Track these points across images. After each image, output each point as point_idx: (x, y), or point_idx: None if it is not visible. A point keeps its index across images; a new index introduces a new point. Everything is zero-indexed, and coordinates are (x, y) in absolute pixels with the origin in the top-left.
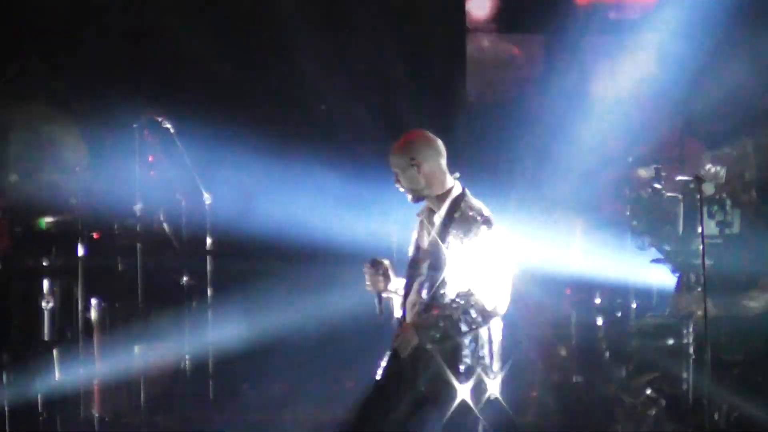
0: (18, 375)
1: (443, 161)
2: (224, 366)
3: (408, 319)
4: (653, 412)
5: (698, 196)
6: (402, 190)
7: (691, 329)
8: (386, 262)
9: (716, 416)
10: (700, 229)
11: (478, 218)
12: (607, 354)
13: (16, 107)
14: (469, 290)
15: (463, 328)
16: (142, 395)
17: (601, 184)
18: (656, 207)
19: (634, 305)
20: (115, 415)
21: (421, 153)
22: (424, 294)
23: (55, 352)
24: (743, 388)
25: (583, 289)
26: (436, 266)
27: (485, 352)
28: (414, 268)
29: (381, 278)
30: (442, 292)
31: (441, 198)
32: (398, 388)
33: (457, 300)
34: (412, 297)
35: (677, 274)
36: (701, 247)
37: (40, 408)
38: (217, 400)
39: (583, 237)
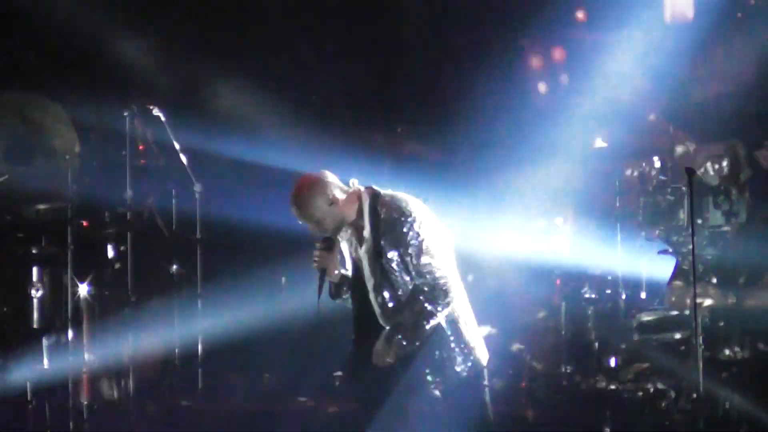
0: (7, 363)
1: (338, 182)
2: (213, 355)
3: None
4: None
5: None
6: (326, 236)
7: (695, 323)
8: (339, 242)
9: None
10: (699, 220)
11: (398, 217)
12: (597, 345)
13: (5, 95)
14: (414, 288)
15: (424, 323)
16: (131, 383)
17: (593, 175)
18: (662, 199)
19: (623, 296)
20: (105, 403)
21: (329, 188)
22: (374, 303)
23: (44, 339)
24: (742, 382)
25: (573, 280)
26: (373, 271)
27: (466, 331)
28: (359, 285)
29: (330, 257)
30: (385, 294)
31: (357, 211)
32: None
33: (400, 305)
34: (363, 306)
35: (675, 266)
36: (702, 237)
37: (29, 396)
38: (206, 389)
39: (573, 228)
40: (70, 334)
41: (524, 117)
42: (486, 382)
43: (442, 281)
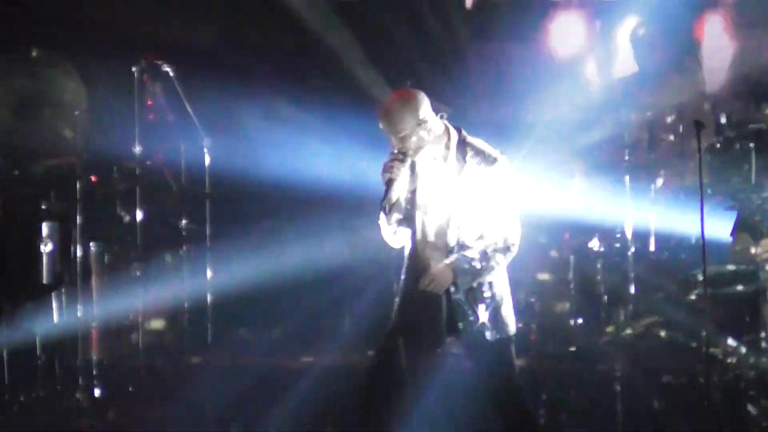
0: (16, 318)
1: (430, 110)
2: (222, 309)
3: (432, 263)
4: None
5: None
6: (406, 152)
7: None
8: (411, 161)
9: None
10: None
11: (492, 154)
12: (606, 297)
13: (15, 51)
14: (491, 228)
15: (492, 265)
16: (140, 339)
17: (600, 128)
18: (728, 156)
19: (632, 249)
20: (114, 359)
21: (422, 109)
22: (450, 237)
23: (53, 295)
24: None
25: (582, 233)
26: (455, 208)
27: (505, 296)
28: (417, 214)
29: (403, 169)
30: (464, 233)
31: (445, 144)
32: (423, 331)
33: (480, 240)
34: (431, 241)
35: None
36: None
37: (38, 351)
38: (215, 344)
39: (582, 180)
40: (80, 289)
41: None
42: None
43: (516, 240)
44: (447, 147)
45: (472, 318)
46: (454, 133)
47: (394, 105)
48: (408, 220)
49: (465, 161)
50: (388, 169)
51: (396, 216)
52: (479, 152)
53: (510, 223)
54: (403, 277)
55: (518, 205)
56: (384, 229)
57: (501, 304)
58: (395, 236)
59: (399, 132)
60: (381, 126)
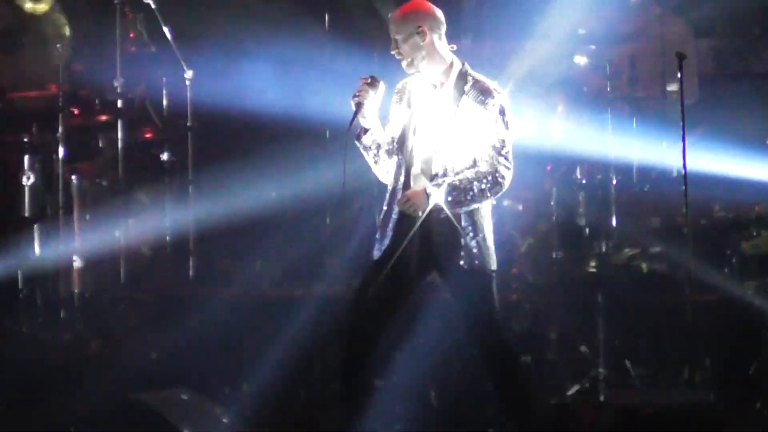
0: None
1: (443, 33)
2: (204, 242)
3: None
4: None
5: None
6: (399, 58)
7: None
8: (383, 85)
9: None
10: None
11: (495, 89)
12: (587, 230)
13: None
14: (481, 161)
15: (477, 198)
16: (122, 271)
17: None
18: None
19: (614, 181)
20: (96, 291)
21: (426, 21)
22: (435, 164)
23: (35, 227)
24: None
25: (564, 164)
26: (446, 137)
27: (485, 228)
28: (407, 141)
29: (371, 94)
30: (453, 162)
31: (444, 70)
32: (404, 263)
33: (469, 170)
34: (416, 168)
35: None
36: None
37: (20, 284)
38: (197, 277)
39: (564, 113)
40: (62, 221)
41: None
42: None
43: (507, 174)
44: (447, 75)
45: (452, 246)
46: (457, 62)
47: (403, 8)
48: (398, 149)
49: (463, 91)
50: (356, 93)
51: (376, 145)
52: (478, 83)
53: (502, 157)
54: (385, 207)
55: (512, 141)
56: (365, 155)
57: (483, 237)
58: (377, 166)
59: (397, 32)
60: (388, 22)
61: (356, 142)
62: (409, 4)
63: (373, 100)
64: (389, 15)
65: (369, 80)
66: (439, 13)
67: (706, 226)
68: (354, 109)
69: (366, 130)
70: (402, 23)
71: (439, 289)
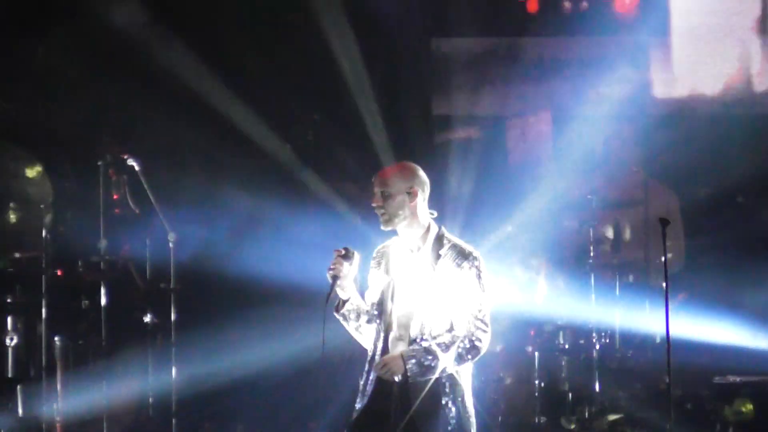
0: None
1: (427, 199)
2: (187, 405)
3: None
4: None
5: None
6: (380, 212)
7: None
8: (357, 255)
9: None
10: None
11: (471, 253)
12: (570, 395)
13: None
14: (458, 325)
15: (454, 362)
16: None
17: (565, 226)
18: None
19: (597, 346)
20: None
21: (420, 184)
22: (413, 329)
23: (18, 388)
24: None
25: (547, 330)
26: (424, 301)
27: (465, 393)
28: (386, 306)
29: (347, 266)
30: (430, 326)
31: (422, 235)
32: (379, 426)
33: (446, 334)
34: (394, 333)
35: None
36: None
37: None
38: None
39: (547, 278)
40: (45, 383)
41: (501, 167)
42: None
43: (483, 338)
44: (424, 239)
45: (430, 411)
46: (434, 226)
47: (395, 166)
48: (377, 314)
49: (440, 255)
50: (331, 266)
51: (356, 314)
52: (455, 247)
53: (479, 321)
54: (364, 374)
55: (490, 304)
56: (346, 326)
57: (464, 400)
58: (360, 335)
59: (387, 186)
60: (373, 180)
61: (335, 314)
62: (403, 163)
63: (349, 271)
64: (379, 171)
65: (343, 252)
66: (427, 180)
67: (689, 393)
68: (330, 281)
69: (344, 302)
70: (396, 179)
71: None
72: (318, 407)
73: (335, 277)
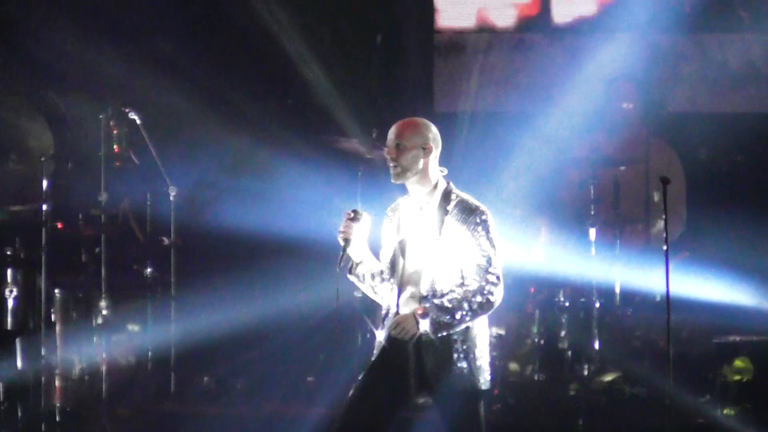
0: None
1: (438, 156)
2: (186, 359)
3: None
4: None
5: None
6: (393, 164)
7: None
8: (368, 217)
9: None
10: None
11: (478, 207)
12: (570, 353)
13: None
14: (469, 280)
15: (466, 317)
16: (103, 387)
17: (566, 184)
18: None
19: (597, 304)
20: (77, 406)
21: (433, 141)
22: (423, 286)
23: (17, 340)
24: None
25: (547, 287)
26: (433, 257)
27: (477, 347)
28: (398, 264)
29: (357, 228)
30: (440, 282)
31: (429, 191)
32: (392, 383)
33: (458, 289)
34: (407, 291)
35: None
36: (665, 247)
37: (1, 397)
38: (178, 393)
39: (547, 236)
40: (43, 335)
41: (498, 124)
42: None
43: (495, 291)
44: (431, 195)
45: (443, 367)
46: (442, 182)
47: (412, 120)
48: (390, 273)
49: (447, 211)
50: (341, 230)
51: (370, 274)
52: (462, 202)
53: (490, 274)
54: (381, 327)
55: (501, 258)
56: (361, 287)
57: (476, 355)
58: (374, 293)
59: (402, 138)
60: (389, 133)
61: (349, 276)
62: (422, 120)
63: (359, 233)
64: (396, 124)
65: (352, 215)
66: (438, 136)
67: (689, 351)
68: (342, 244)
69: (357, 264)
70: (412, 133)
71: (426, 407)
72: (318, 363)
73: (346, 240)
